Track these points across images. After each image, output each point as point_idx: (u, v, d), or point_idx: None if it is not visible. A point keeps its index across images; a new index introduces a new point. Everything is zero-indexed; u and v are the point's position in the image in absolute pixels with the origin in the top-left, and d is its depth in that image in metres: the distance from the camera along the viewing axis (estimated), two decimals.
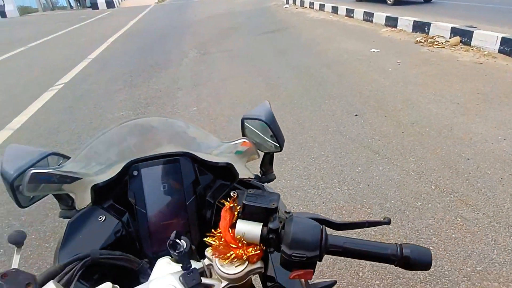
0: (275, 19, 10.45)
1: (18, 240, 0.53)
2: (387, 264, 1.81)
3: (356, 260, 1.87)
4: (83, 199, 0.75)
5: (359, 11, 9.24)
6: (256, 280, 0.77)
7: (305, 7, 12.59)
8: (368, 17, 8.75)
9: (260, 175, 0.88)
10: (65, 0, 24.81)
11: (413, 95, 3.92)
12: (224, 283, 0.58)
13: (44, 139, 3.52)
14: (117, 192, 0.75)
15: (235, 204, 0.59)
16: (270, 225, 0.55)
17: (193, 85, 4.89)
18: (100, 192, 0.74)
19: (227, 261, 0.56)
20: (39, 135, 3.62)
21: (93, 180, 0.74)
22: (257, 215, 0.56)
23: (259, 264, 0.58)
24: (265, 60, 5.88)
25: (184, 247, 0.58)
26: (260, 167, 0.87)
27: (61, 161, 0.76)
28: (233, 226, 0.57)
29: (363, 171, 2.64)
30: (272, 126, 0.76)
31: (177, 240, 0.58)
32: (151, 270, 0.60)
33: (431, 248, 1.94)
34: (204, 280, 0.57)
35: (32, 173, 0.66)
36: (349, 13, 9.72)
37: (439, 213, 2.17)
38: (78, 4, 23.89)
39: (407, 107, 3.65)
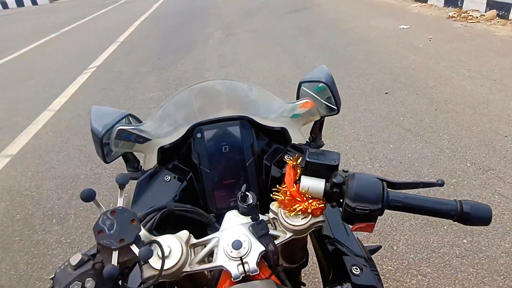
0: None
1: (122, 181, 0.56)
2: (421, 238, 1.86)
3: (390, 234, 1.93)
4: (150, 161, 0.82)
5: None
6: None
7: None
8: None
9: (309, 141, 0.92)
10: None
11: (446, 72, 3.82)
12: (289, 234, 0.62)
13: (82, 119, 3.70)
14: (181, 154, 0.80)
15: (297, 162, 0.62)
16: (334, 180, 0.57)
17: (220, 66, 4.93)
18: (166, 154, 0.80)
19: (293, 213, 0.60)
20: (78, 116, 3.80)
21: (160, 142, 0.80)
22: (319, 172, 0.59)
23: (321, 218, 0.61)
24: (290, 40, 5.83)
25: (251, 201, 0.62)
26: (310, 133, 0.91)
27: (136, 123, 0.84)
28: (297, 182, 0.60)
29: (395, 149, 2.65)
30: (332, 87, 0.80)
31: (247, 193, 0.63)
32: (218, 224, 0.65)
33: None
34: (271, 231, 0.62)
35: (119, 129, 0.75)
36: None
37: (475, 190, 2.16)
38: None
39: (440, 84, 3.57)
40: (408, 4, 7.51)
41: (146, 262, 0.52)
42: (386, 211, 0.55)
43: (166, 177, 0.78)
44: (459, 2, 6.40)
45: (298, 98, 0.85)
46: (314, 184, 0.59)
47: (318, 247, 0.82)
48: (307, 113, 0.82)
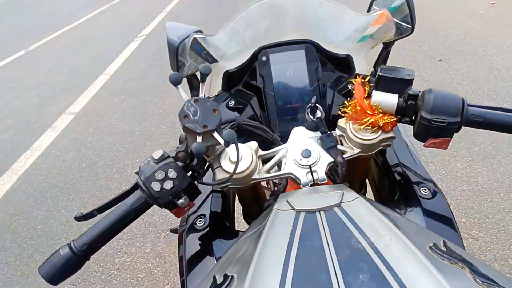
0: None
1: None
2: (474, 204, 1.81)
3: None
4: (215, 86, 0.85)
5: None
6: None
7: None
8: None
9: (371, 76, 0.91)
10: None
11: (509, 39, 3.54)
12: (356, 150, 0.61)
13: (135, 82, 3.93)
14: (246, 79, 0.82)
15: (366, 80, 0.61)
16: (410, 92, 0.56)
17: None
18: (230, 78, 0.81)
19: (363, 126, 0.59)
20: (131, 79, 4.04)
21: (225, 66, 0.82)
22: (392, 87, 0.57)
23: (391, 134, 0.60)
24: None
25: (320, 113, 0.63)
26: (374, 66, 0.87)
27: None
28: (366, 98, 0.59)
29: None
30: (411, 2, 0.74)
31: (317, 105, 0.63)
32: (283, 143, 0.65)
33: None
34: (339, 146, 0.61)
35: (194, 37, 0.78)
36: None
37: None
38: None
39: (502, 51, 3.33)
40: None
41: (228, 145, 0.54)
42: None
43: (230, 102, 0.80)
44: None
45: None
46: (387, 98, 0.57)
47: (380, 172, 0.82)
48: (379, 30, 0.78)
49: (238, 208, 0.81)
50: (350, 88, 0.74)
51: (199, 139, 0.54)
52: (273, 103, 0.77)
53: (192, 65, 0.88)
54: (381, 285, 0.33)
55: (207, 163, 0.63)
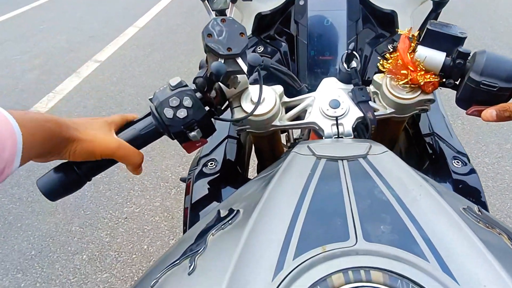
0: None
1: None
2: (497, 201, 1.71)
3: None
4: (246, 27, 0.77)
5: None
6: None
7: None
8: None
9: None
10: None
11: None
12: (389, 110, 0.56)
13: (164, 37, 3.88)
14: (279, 24, 0.76)
15: (413, 34, 0.55)
16: (460, 49, 0.50)
17: None
18: (262, 21, 0.75)
19: (401, 82, 0.53)
20: (160, 34, 3.99)
21: (259, 7, 0.75)
22: (441, 44, 0.51)
23: (431, 96, 0.54)
24: None
25: (356, 64, 0.58)
26: (420, 29, 0.79)
27: None
28: (410, 53, 0.53)
29: None
30: None
31: (355, 53, 0.57)
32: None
33: None
34: (371, 103, 0.56)
35: None
36: None
37: None
38: None
39: None
40: None
41: (252, 73, 0.50)
42: None
43: (259, 48, 0.75)
44: None
45: None
46: (433, 55, 0.52)
47: (409, 139, 0.77)
48: None
49: (253, 161, 0.78)
50: (390, 49, 0.68)
51: (221, 61, 0.49)
52: (304, 53, 0.71)
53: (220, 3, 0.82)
54: (403, 238, 0.30)
55: (227, 102, 0.59)
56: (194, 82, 0.53)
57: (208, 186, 0.67)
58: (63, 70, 3.37)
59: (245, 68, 0.50)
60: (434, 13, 0.75)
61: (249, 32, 0.76)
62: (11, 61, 3.57)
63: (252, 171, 0.80)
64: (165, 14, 4.60)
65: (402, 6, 0.72)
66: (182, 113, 0.50)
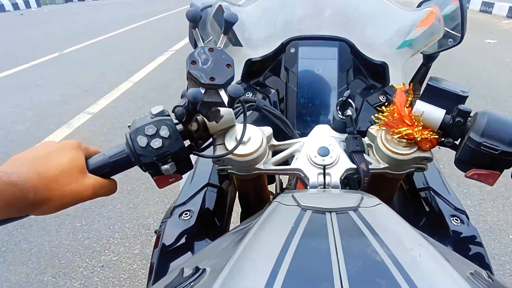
0: None
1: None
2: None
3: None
4: (235, 73, 0.73)
5: (476, 1, 8.27)
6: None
7: None
8: (487, 7, 7.79)
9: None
10: None
11: None
12: (383, 165, 0.53)
13: (157, 91, 4.04)
14: (269, 70, 0.74)
15: (410, 88, 0.53)
16: (461, 107, 0.47)
17: None
18: (252, 68, 0.73)
19: (396, 136, 0.50)
20: (153, 88, 4.15)
21: (249, 53, 0.73)
22: (441, 100, 0.49)
23: (428, 154, 0.51)
24: None
25: (351, 112, 0.54)
26: (410, 83, 0.75)
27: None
28: (408, 106, 0.51)
29: None
30: (464, 4, 0.63)
31: (349, 100, 0.54)
32: None
33: None
34: (365, 155, 0.53)
35: (220, 4, 0.68)
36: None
37: None
38: None
39: None
40: (498, 21, 6.93)
41: (232, 105, 0.46)
42: None
43: (247, 94, 0.72)
44: None
45: None
46: (432, 110, 0.49)
47: (403, 194, 0.73)
48: (424, 34, 0.67)
49: (237, 210, 0.73)
50: (381, 100, 0.65)
51: (201, 91, 0.45)
52: (294, 100, 0.69)
53: (212, 42, 0.77)
54: None
55: (210, 138, 0.55)
56: (173, 111, 0.50)
57: (180, 239, 0.61)
58: (54, 121, 3.44)
59: (225, 98, 0.45)
60: (425, 67, 0.77)
61: (238, 78, 0.74)
62: (4, 114, 3.64)
63: (235, 222, 0.76)
64: (160, 70, 4.83)
65: (392, 58, 0.71)
66: (156, 143, 0.46)
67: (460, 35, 0.67)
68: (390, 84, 0.69)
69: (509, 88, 3.51)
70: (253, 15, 0.74)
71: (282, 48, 0.71)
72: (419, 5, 0.72)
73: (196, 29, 0.48)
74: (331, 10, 0.75)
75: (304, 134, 0.60)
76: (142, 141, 0.47)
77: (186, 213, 0.65)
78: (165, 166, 0.48)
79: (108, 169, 0.49)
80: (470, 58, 4.53)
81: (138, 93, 4.06)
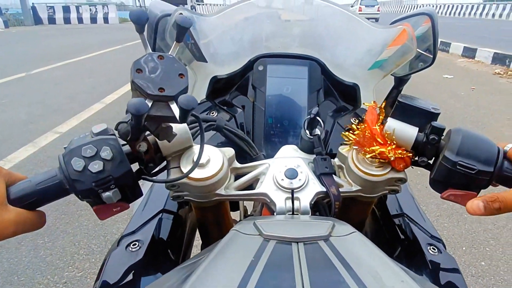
0: None
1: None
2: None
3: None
4: (199, 91, 0.71)
5: None
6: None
7: None
8: (444, 46, 8.52)
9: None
10: None
11: (485, 118, 3.78)
12: (355, 187, 0.49)
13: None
14: (235, 88, 0.71)
15: (381, 106, 0.50)
16: (434, 124, 0.45)
17: None
18: (217, 85, 0.69)
19: (368, 156, 0.47)
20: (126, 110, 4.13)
21: (215, 70, 0.69)
22: (412, 118, 0.47)
23: (402, 175, 0.48)
24: None
25: (319, 132, 0.51)
26: (385, 99, 0.72)
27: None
28: (380, 124, 0.49)
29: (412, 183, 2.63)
30: (436, 25, 0.59)
31: (318, 118, 0.51)
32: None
33: None
34: (335, 177, 0.49)
35: (180, 12, 0.62)
36: None
37: None
38: None
39: (478, 127, 3.52)
40: (455, 59, 7.57)
41: (185, 120, 0.39)
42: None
43: (212, 113, 0.67)
44: (507, 61, 6.36)
45: None
46: (404, 128, 0.47)
47: (376, 221, 0.70)
48: (396, 54, 0.65)
49: (198, 243, 0.67)
50: (353, 122, 0.62)
51: (148, 103, 0.38)
52: (262, 120, 0.65)
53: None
54: None
55: (164, 161, 0.49)
56: (116, 129, 0.42)
57: (125, 274, 0.53)
58: (18, 140, 3.30)
59: (177, 112, 0.39)
60: (396, 90, 0.74)
61: (203, 96, 0.70)
62: None
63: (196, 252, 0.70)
64: None
65: (364, 80, 0.69)
66: (96, 166, 0.39)
67: (432, 56, 0.64)
68: (361, 107, 0.68)
69: (463, 118, 3.81)
70: (218, 28, 0.70)
71: (250, 65, 0.67)
72: (391, 24, 0.70)
73: (143, 33, 0.41)
74: (301, 28, 0.74)
75: (271, 156, 0.56)
76: (78, 164, 0.39)
77: (135, 244, 0.57)
78: (107, 194, 0.40)
79: (34, 199, 0.40)
80: (430, 91, 4.90)
81: (110, 113, 4.02)
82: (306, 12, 0.74)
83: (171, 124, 0.43)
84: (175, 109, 0.39)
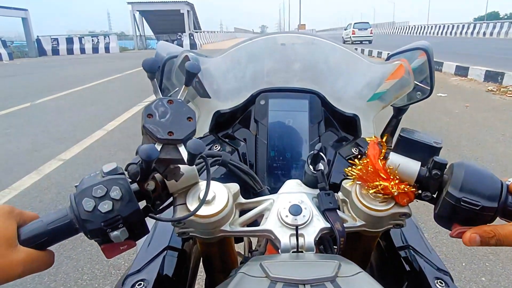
0: None
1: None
2: None
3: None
4: (202, 127, 0.73)
5: None
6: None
7: (372, 56, 12.87)
8: (437, 66, 8.72)
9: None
10: (154, 43, 28.69)
11: (479, 135, 3.85)
12: (360, 222, 0.49)
13: (131, 139, 4.10)
14: (238, 123, 0.72)
15: (383, 140, 0.50)
16: (436, 159, 0.45)
17: None
18: (220, 120, 0.71)
19: (372, 191, 0.47)
20: (128, 136, 4.22)
21: (217, 105, 0.71)
22: (414, 152, 0.47)
23: (406, 209, 0.48)
24: None
25: (323, 167, 0.52)
26: (381, 135, 0.73)
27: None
28: (383, 159, 0.49)
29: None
30: (431, 59, 0.61)
31: (321, 154, 0.52)
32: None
33: None
34: (339, 212, 0.50)
35: (186, 55, 0.65)
36: None
37: None
38: None
39: (472, 143, 3.60)
40: (448, 77, 7.74)
41: (193, 163, 0.41)
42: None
43: (216, 147, 0.68)
44: (499, 78, 6.51)
45: None
46: (407, 163, 0.47)
47: (381, 255, 0.70)
48: (394, 87, 0.67)
49: (202, 275, 0.68)
50: (354, 152, 0.64)
51: (158, 147, 0.40)
52: (264, 153, 0.66)
53: (178, 93, 0.77)
54: None
55: (170, 198, 0.50)
56: (126, 170, 0.44)
57: None
58: (23, 168, 3.37)
59: (185, 154, 0.40)
60: (395, 119, 0.76)
61: (206, 130, 0.72)
62: None
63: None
64: (134, 119, 4.94)
65: (363, 110, 0.70)
66: (105, 206, 0.40)
67: (429, 88, 0.67)
68: (361, 137, 0.69)
69: (459, 135, 3.88)
70: (222, 67, 0.73)
71: (252, 100, 0.69)
72: (387, 59, 0.73)
73: (155, 80, 0.44)
74: (301, 63, 0.76)
75: (274, 189, 0.57)
76: (88, 204, 0.40)
77: (140, 283, 0.56)
78: (115, 233, 0.41)
79: (45, 238, 0.41)
80: (424, 109, 5.00)
81: (112, 140, 4.11)
82: (306, 49, 0.77)
83: (179, 165, 0.44)
84: (183, 151, 0.41)
